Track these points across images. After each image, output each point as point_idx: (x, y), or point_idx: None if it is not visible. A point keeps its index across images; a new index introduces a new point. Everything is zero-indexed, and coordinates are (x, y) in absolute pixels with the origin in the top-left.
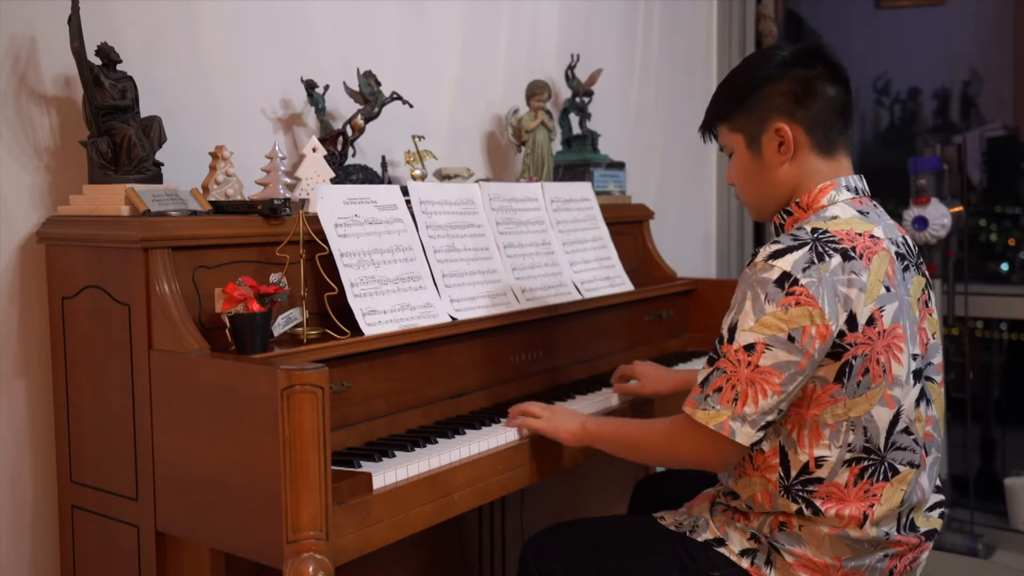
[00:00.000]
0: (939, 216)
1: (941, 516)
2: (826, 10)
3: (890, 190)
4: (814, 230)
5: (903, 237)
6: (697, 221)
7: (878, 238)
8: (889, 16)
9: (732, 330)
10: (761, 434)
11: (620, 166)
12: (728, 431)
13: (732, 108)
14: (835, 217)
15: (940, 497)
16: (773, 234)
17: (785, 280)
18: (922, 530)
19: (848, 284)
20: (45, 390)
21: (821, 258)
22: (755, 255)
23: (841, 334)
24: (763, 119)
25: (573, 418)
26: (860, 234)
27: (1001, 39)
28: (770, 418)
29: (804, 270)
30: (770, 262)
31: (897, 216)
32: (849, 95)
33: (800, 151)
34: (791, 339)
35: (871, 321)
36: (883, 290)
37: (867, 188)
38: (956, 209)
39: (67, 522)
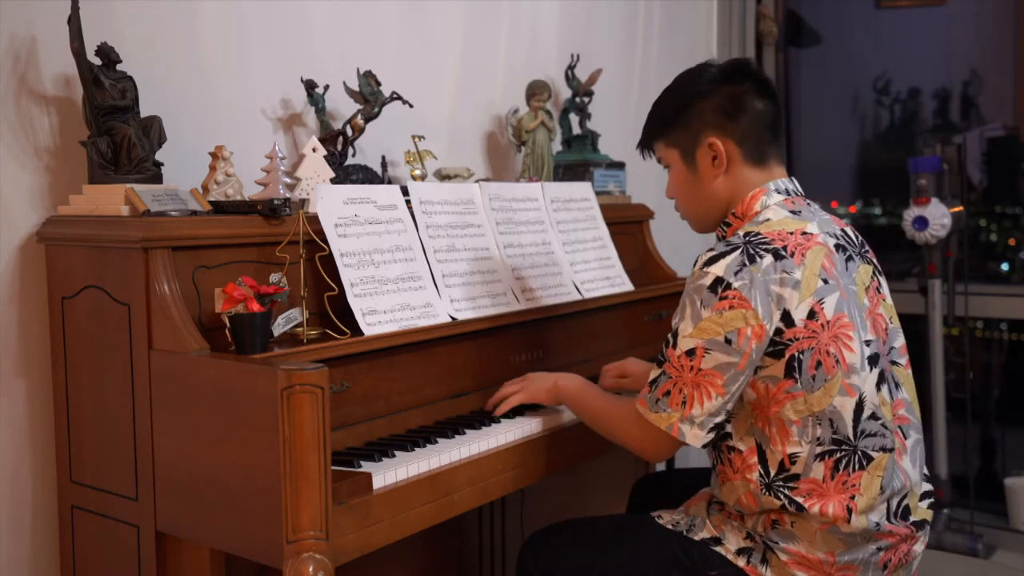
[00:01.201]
0: (939, 216)
1: (931, 507)
2: (826, 10)
3: (890, 190)
4: (746, 234)
5: (842, 230)
6: None
7: (811, 234)
8: (889, 16)
9: (675, 335)
10: (711, 435)
11: (620, 166)
12: (678, 432)
13: (667, 125)
14: (767, 220)
15: (929, 487)
16: None
17: (718, 285)
18: (913, 519)
19: (780, 283)
20: (45, 390)
21: (752, 260)
22: (695, 263)
23: (779, 331)
24: (696, 134)
25: (547, 377)
26: (791, 232)
27: (1001, 39)
28: (717, 419)
29: (736, 273)
30: (705, 269)
31: (897, 216)
32: (778, 108)
33: (733, 163)
34: (728, 341)
35: (812, 315)
36: (820, 283)
37: (799, 188)
38: (956, 209)
39: (67, 522)
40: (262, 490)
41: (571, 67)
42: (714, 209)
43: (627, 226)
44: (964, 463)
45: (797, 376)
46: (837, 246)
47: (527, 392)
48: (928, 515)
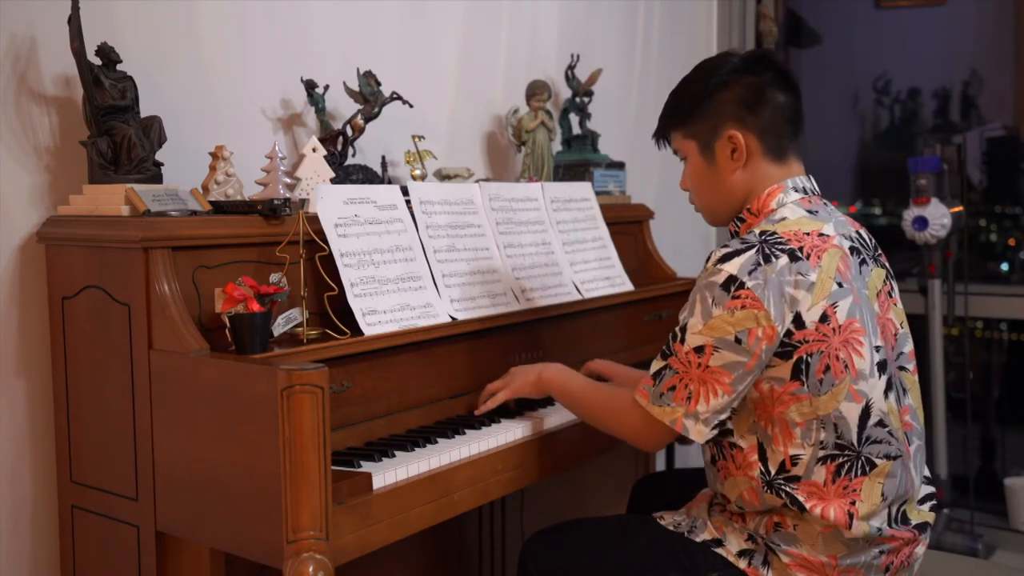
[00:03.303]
0: (939, 216)
1: (932, 509)
2: (826, 10)
3: (890, 190)
4: (762, 232)
5: (857, 232)
6: (697, 221)
7: (828, 235)
8: (889, 16)
9: (683, 330)
10: (714, 432)
11: (620, 166)
12: (681, 427)
13: (685, 115)
14: (784, 219)
15: (930, 489)
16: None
17: (731, 283)
18: (914, 523)
19: (795, 285)
20: (45, 390)
21: (768, 259)
22: (708, 259)
23: (789, 333)
24: (716, 126)
25: (530, 370)
26: (808, 233)
27: (1001, 39)
28: (722, 417)
29: (750, 273)
30: (718, 266)
31: (897, 216)
32: (799, 102)
33: (752, 157)
34: (738, 341)
35: (824, 318)
36: (835, 286)
37: (816, 187)
38: (956, 209)
39: (67, 522)
40: (262, 490)
41: (571, 67)
42: (730, 203)
43: (627, 226)
44: (964, 463)
45: (804, 379)
46: (852, 249)
47: (511, 388)
48: (930, 517)
